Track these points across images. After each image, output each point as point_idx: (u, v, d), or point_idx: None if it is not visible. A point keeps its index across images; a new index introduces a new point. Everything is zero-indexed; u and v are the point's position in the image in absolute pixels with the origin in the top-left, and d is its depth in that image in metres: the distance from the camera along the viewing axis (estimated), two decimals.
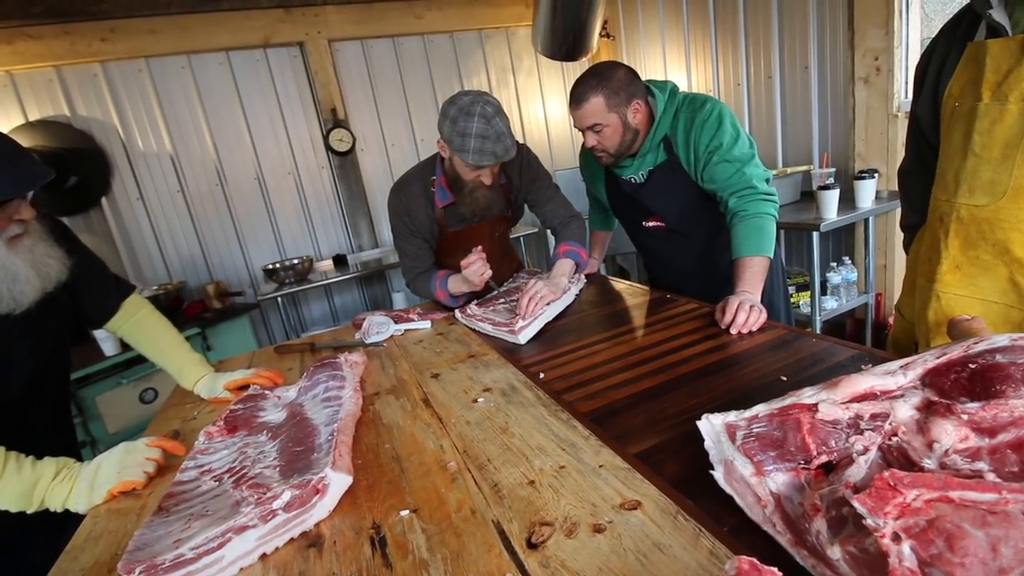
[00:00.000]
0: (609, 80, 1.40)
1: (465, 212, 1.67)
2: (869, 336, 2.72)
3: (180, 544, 0.67)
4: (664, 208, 1.60)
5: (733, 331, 1.16)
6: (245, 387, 1.26)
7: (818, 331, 2.49)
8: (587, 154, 1.69)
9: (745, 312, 1.17)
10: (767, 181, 1.42)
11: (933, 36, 1.12)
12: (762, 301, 1.32)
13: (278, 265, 3.29)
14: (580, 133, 1.52)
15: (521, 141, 1.69)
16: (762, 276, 1.32)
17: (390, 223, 1.77)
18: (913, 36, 2.37)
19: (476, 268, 1.57)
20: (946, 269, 1.07)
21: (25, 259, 1.01)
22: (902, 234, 1.37)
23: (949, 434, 0.53)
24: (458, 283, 1.67)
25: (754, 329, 1.16)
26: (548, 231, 2.28)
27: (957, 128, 1.02)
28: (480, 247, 1.61)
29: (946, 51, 1.07)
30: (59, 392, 1.25)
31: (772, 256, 1.37)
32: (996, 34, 0.94)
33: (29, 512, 0.92)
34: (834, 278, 2.63)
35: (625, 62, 1.88)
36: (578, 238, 1.75)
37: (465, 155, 1.45)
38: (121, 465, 0.94)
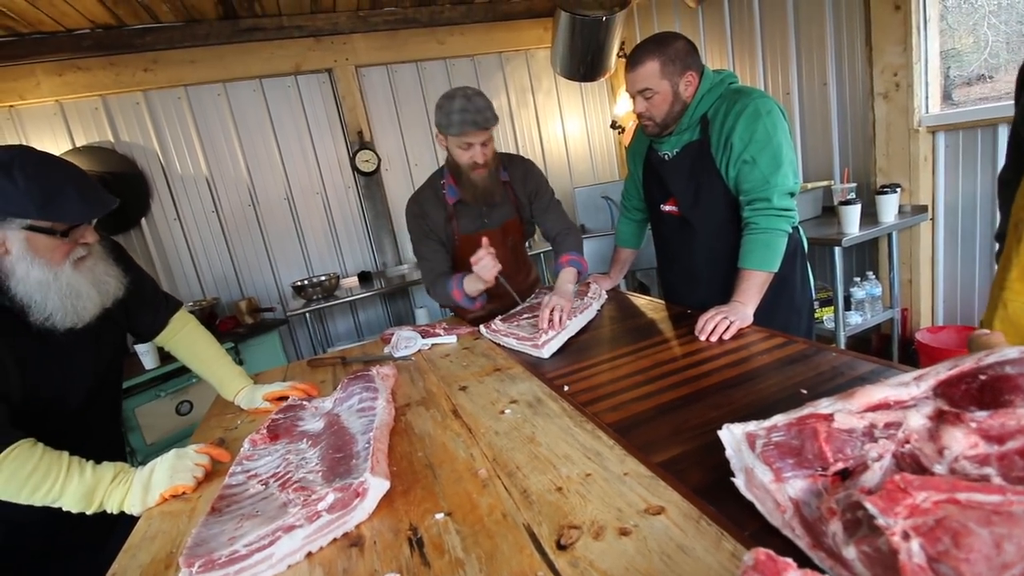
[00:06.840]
0: (667, 47, 1.43)
1: (468, 198, 1.76)
2: (896, 351, 2.69)
3: (234, 541, 0.73)
4: (681, 190, 1.59)
5: (702, 338, 1.27)
6: (283, 398, 1.32)
7: (842, 346, 2.48)
8: (638, 132, 1.74)
9: (714, 322, 1.28)
10: (791, 195, 1.42)
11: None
12: (778, 317, 1.34)
13: (306, 282, 3.39)
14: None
15: (541, 159, 1.75)
16: (759, 289, 1.39)
17: (409, 232, 1.87)
18: (932, 51, 2.37)
19: (486, 263, 1.62)
20: (1016, 276, 1.02)
21: (87, 278, 1.10)
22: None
23: (959, 441, 0.55)
24: (472, 281, 1.72)
25: (726, 338, 1.26)
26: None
27: None
28: (486, 239, 1.66)
29: None
30: (113, 401, 1.33)
31: (775, 271, 1.41)
32: None
33: (88, 513, 0.99)
34: (858, 293, 2.61)
35: None
36: (576, 248, 1.83)
37: (452, 129, 1.58)
38: (173, 470, 1.01)
